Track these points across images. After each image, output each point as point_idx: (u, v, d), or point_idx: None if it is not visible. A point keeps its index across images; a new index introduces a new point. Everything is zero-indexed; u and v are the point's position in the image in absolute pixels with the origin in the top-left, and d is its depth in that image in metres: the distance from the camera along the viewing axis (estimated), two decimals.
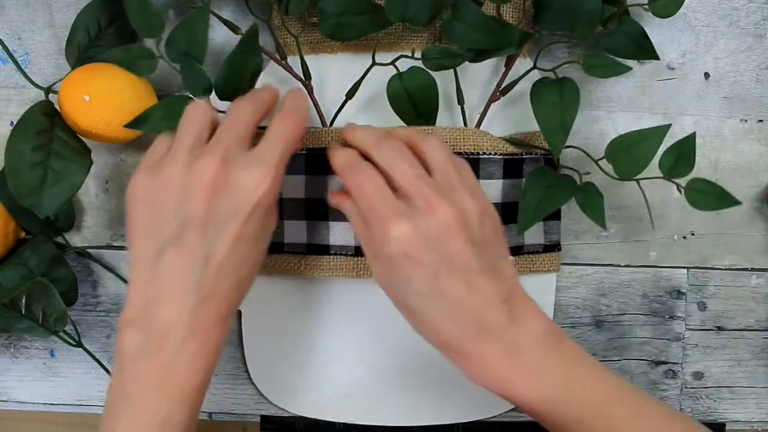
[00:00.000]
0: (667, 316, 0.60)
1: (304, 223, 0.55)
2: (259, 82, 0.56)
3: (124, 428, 0.42)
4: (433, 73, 0.53)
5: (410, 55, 0.53)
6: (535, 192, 0.51)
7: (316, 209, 0.55)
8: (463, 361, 0.43)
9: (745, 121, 0.59)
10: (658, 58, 0.54)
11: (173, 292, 0.42)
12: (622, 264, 0.60)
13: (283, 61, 0.55)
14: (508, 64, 0.55)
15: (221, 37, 0.58)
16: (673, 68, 0.59)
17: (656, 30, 0.57)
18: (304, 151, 0.55)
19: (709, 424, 0.61)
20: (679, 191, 0.52)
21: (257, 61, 0.51)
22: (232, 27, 0.55)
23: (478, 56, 0.52)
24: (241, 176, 0.42)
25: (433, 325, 0.43)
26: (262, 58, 0.51)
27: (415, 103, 0.53)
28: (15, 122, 0.52)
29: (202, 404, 0.44)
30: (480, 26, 0.51)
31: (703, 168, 0.59)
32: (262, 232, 0.44)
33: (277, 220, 0.47)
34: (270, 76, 0.57)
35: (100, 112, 0.52)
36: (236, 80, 0.51)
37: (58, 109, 0.53)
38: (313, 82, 0.55)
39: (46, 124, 0.53)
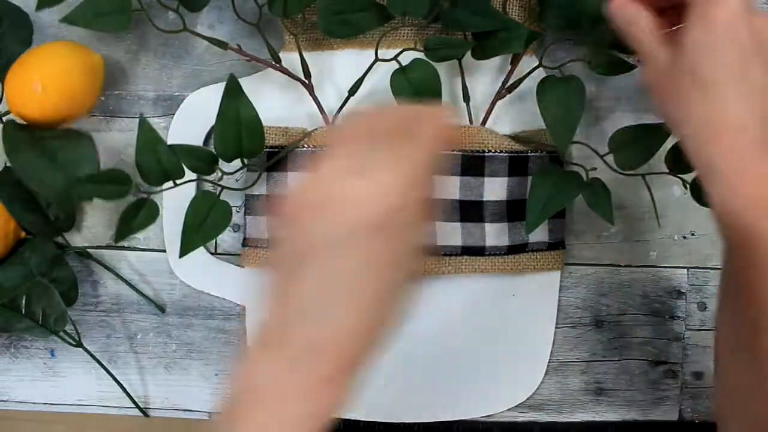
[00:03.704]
0: (667, 316, 0.60)
1: None
2: (258, 85, 0.57)
3: None
4: (440, 72, 0.53)
5: (413, 47, 0.53)
6: (543, 190, 0.51)
7: None
8: (722, 157, 0.41)
9: None
10: None
11: None
12: (622, 264, 0.60)
13: (278, 64, 0.55)
14: (514, 62, 0.55)
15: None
16: None
17: None
18: (310, 148, 0.55)
19: (709, 424, 0.61)
20: (685, 187, 0.53)
21: (250, 112, 0.51)
22: (219, 44, 0.55)
23: (484, 53, 0.52)
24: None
25: (721, 101, 0.41)
26: (254, 108, 0.51)
27: (419, 95, 0.53)
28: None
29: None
30: (479, 10, 0.51)
31: None
32: None
33: None
34: (265, 79, 0.57)
35: (53, 96, 0.52)
36: (235, 138, 0.51)
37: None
38: (312, 80, 0.55)
39: (26, 137, 0.53)
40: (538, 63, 0.54)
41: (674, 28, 0.44)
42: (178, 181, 0.53)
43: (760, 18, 0.42)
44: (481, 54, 0.53)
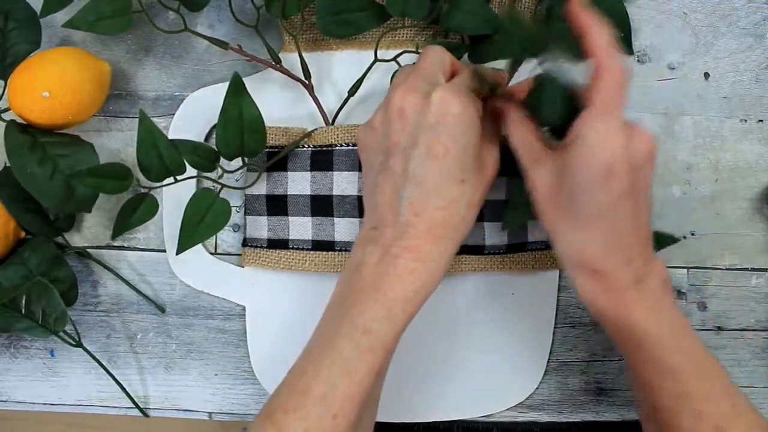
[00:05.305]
0: None
1: (310, 219, 0.55)
2: (258, 85, 0.57)
3: (330, 330, 0.44)
4: None
5: (414, 50, 0.53)
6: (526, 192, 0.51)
7: (322, 205, 0.55)
8: (592, 278, 0.45)
9: (745, 121, 0.59)
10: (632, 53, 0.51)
11: (387, 213, 0.45)
12: None
13: (278, 65, 0.55)
14: (512, 71, 0.54)
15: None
16: (674, 68, 0.59)
17: (656, 30, 0.58)
18: (310, 148, 0.55)
19: None
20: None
21: (253, 111, 0.51)
22: (220, 44, 0.55)
23: (480, 57, 0.52)
24: (431, 99, 0.44)
25: (591, 239, 0.44)
26: (256, 107, 0.51)
27: None
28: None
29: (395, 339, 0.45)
30: (478, 12, 0.51)
31: (703, 168, 0.59)
32: (452, 151, 0.44)
33: (487, 151, 0.48)
34: (265, 79, 0.57)
35: (59, 107, 0.52)
36: (236, 135, 0.51)
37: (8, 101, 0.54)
38: (312, 80, 0.55)
39: (27, 140, 0.53)
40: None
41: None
42: (178, 177, 0.53)
43: (638, 137, 0.42)
44: (477, 58, 0.52)
